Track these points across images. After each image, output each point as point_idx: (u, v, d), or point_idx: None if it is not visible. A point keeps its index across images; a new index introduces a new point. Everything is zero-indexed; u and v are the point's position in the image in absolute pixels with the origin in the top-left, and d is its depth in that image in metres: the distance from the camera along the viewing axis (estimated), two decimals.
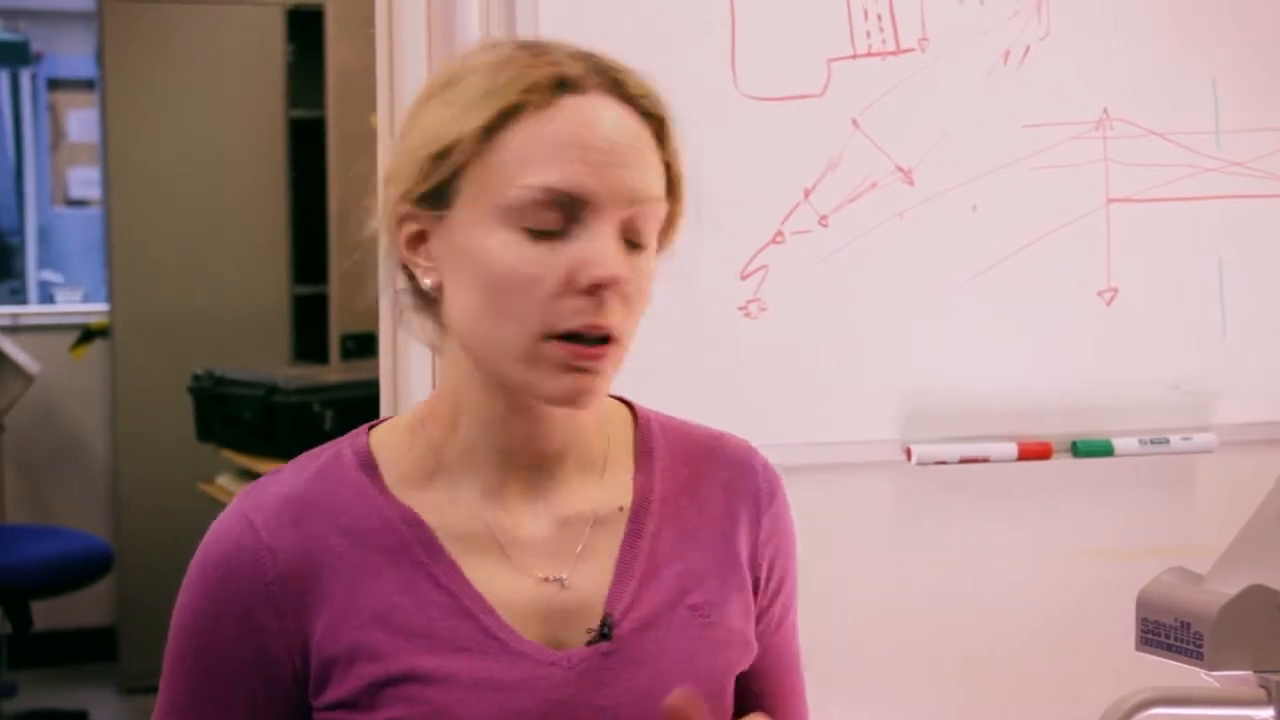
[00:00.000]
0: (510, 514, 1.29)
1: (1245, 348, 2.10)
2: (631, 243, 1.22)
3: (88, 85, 6.28)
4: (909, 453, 1.98)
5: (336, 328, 5.00)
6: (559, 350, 1.20)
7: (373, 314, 1.89)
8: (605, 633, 1.27)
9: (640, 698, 1.26)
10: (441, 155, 1.21)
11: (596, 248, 1.19)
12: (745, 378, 1.92)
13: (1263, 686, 1.37)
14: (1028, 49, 2.00)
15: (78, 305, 5.90)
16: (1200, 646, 1.38)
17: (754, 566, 1.36)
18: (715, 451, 1.39)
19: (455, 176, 1.22)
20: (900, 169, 1.96)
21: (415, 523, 1.27)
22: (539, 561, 1.28)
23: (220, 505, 4.04)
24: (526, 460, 1.29)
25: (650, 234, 1.24)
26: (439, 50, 1.84)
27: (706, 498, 1.35)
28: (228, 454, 4.16)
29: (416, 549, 1.26)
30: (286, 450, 3.92)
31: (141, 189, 4.96)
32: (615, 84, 1.23)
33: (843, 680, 1.98)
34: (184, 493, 4.51)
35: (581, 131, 1.20)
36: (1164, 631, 1.42)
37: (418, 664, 1.23)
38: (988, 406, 2.01)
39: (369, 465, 1.29)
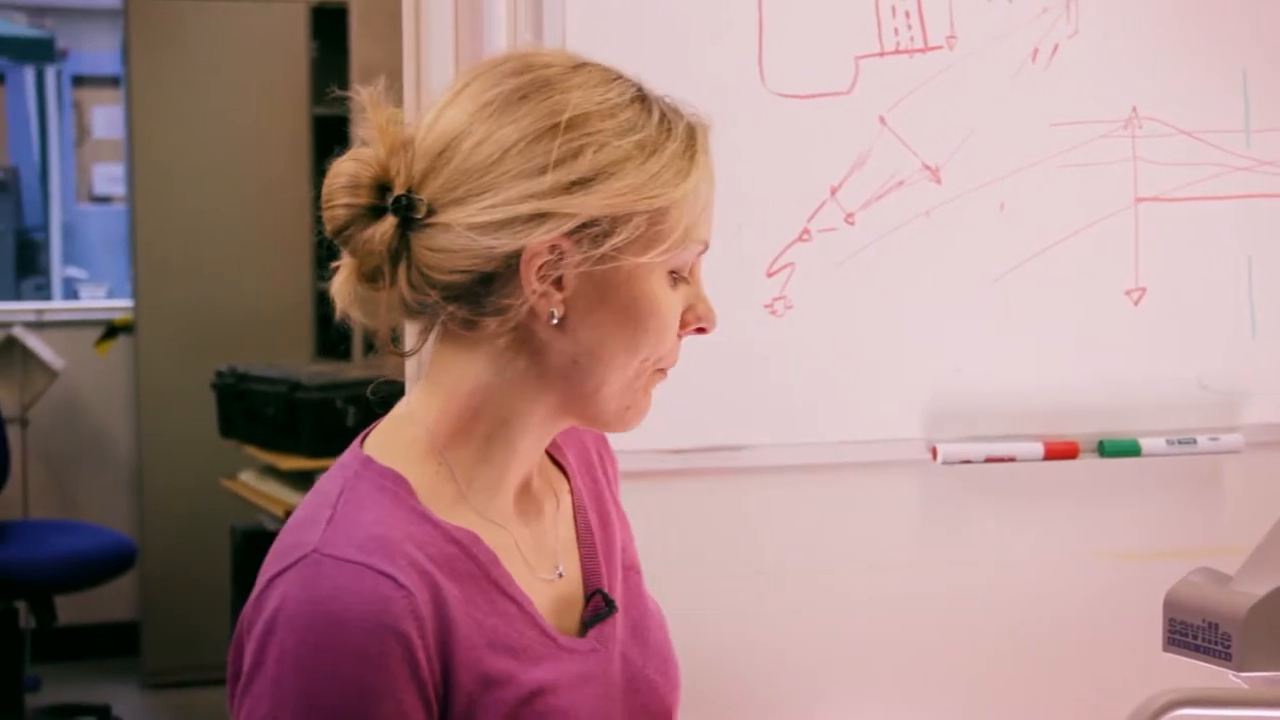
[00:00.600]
0: (519, 522, 1.32)
1: (1273, 348, 2.09)
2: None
3: (113, 82, 6.30)
4: (934, 452, 1.97)
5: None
6: (657, 379, 1.30)
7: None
8: (611, 607, 1.35)
9: (646, 658, 1.37)
10: (656, 214, 1.22)
11: (704, 295, 1.30)
12: (770, 375, 1.91)
13: None
14: (1056, 47, 1.99)
15: (102, 301, 5.91)
16: (1228, 647, 1.37)
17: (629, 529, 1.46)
18: (578, 432, 1.44)
19: (641, 224, 1.22)
20: (928, 167, 1.95)
21: (478, 543, 1.26)
22: (541, 561, 1.33)
23: (243, 501, 4.00)
24: (516, 480, 1.32)
25: None
26: (466, 49, 1.84)
27: (595, 470, 1.44)
28: (251, 450, 4.16)
29: (489, 568, 1.26)
30: (309, 447, 3.93)
31: (166, 185, 4.98)
32: (707, 127, 1.29)
33: (864, 676, 1.97)
34: (207, 489, 4.52)
35: (713, 183, 1.28)
36: (1192, 632, 1.42)
37: (532, 678, 1.25)
38: (1014, 406, 2.00)
39: (411, 491, 1.25)
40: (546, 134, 1.21)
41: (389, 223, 1.22)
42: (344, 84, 5.28)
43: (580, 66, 1.26)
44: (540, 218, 1.20)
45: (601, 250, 1.21)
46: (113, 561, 4.35)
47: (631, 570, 1.42)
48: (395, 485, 1.24)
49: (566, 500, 1.39)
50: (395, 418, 1.31)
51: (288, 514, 3.92)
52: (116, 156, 6.26)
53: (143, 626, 5.01)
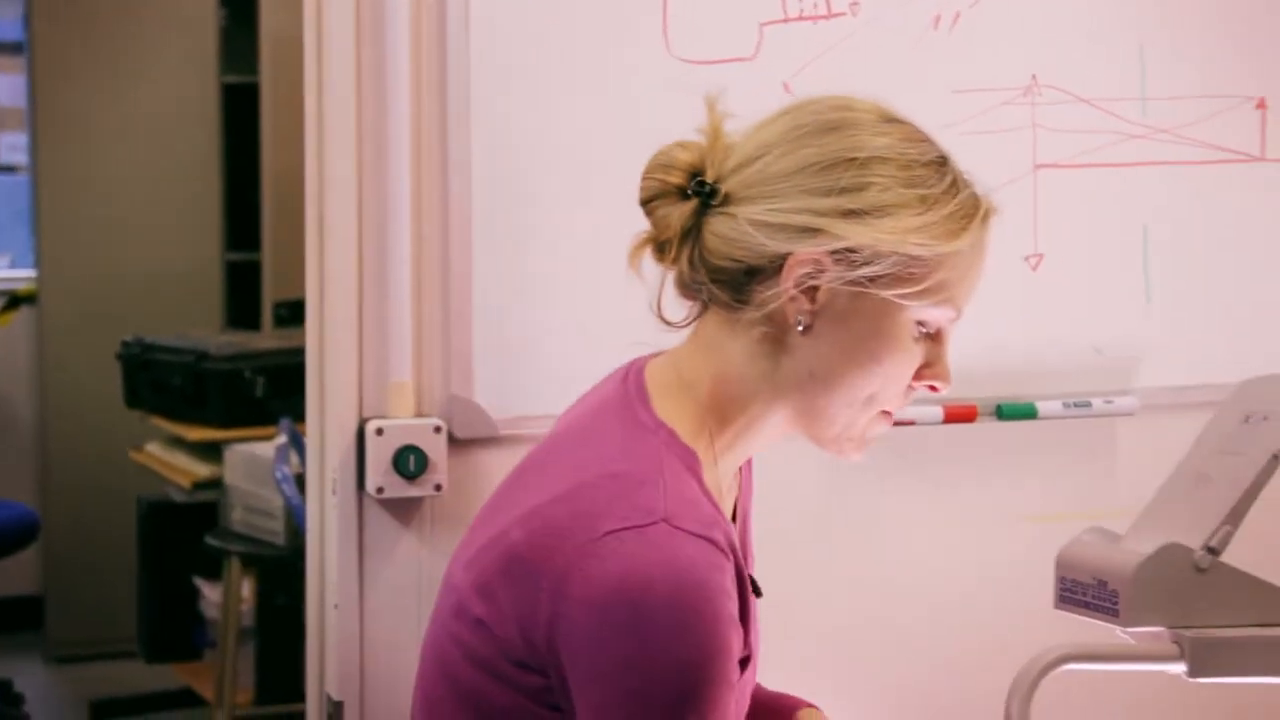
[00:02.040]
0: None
1: (1167, 313, 2.12)
2: None
3: (15, 49, 6.18)
4: None
5: (269, 295, 4.97)
6: (881, 420, 1.40)
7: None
8: (757, 593, 1.47)
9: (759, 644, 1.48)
10: (915, 260, 1.33)
11: (946, 359, 1.41)
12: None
13: (1175, 642, 1.39)
14: (958, 15, 2.01)
15: (4, 272, 5.81)
16: (1116, 604, 1.40)
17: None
18: None
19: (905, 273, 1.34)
20: None
21: (730, 532, 1.35)
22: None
23: (149, 473, 3.98)
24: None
25: None
26: (367, 20, 1.82)
27: (748, 464, 1.56)
28: (157, 421, 4.12)
29: (736, 554, 1.35)
30: (217, 417, 3.90)
31: (69, 155, 4.91)
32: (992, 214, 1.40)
33: (773, 646, 1.99)
34: (112, 460, 4.48)
35: (982, 264, 1.40)
36: (1081, 590, 1.45)
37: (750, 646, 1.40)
38: None
39: (701, 473, 1.36)
40: (842, 164, 1.34)
41: (690, 204, 1.37)
42: (253, 52, 5.25)
43: (893, 120, 1.40)
44: (812, 231, 1.32)
45: (855, 274, 1.33)
46: (15, 534, 4.30)
47: (749, 556, 1.55)
48: (695, 466, 1.35)
49: (735, 490, 1.50)
50: (675, 380, 1.40)
51: (195, 485, 3.90)
52: (19, 125, 6.15)
53: (46, 600, 4.95)
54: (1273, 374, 1.51)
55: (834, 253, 1.33)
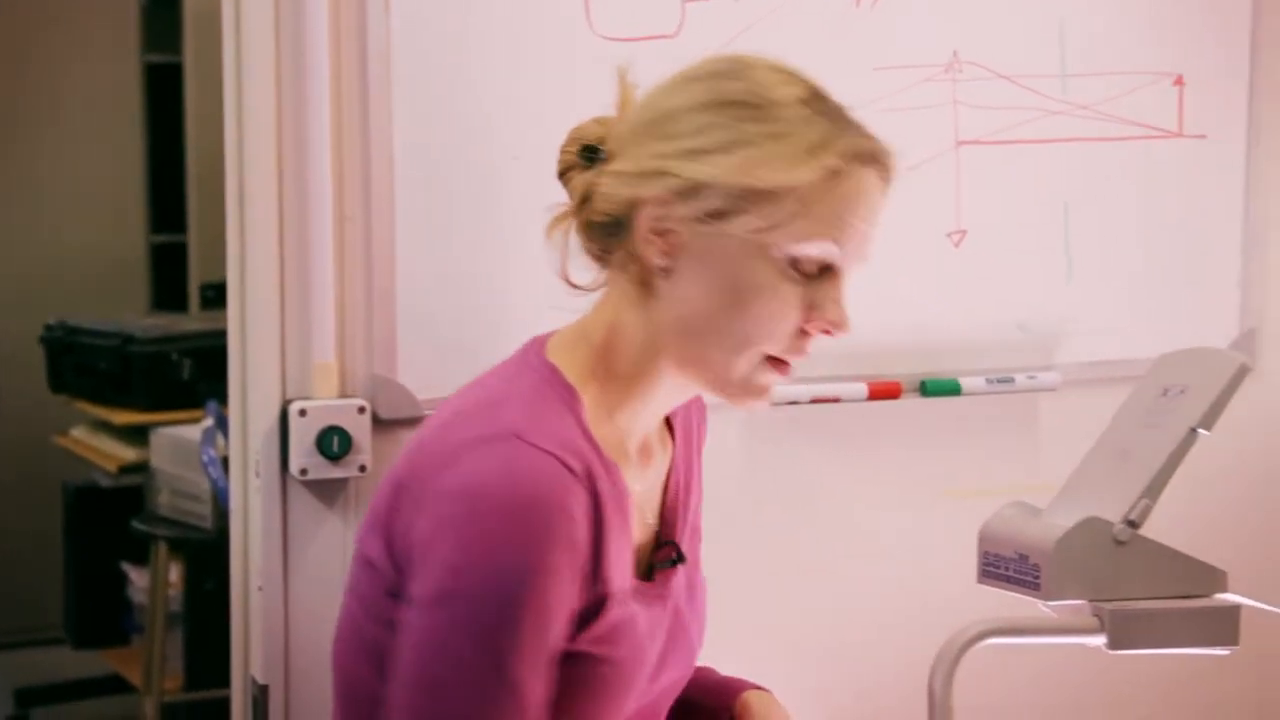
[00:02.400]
0: (638, 467, 1.46)
1: (1088, 289, 2.14)
2: None
3: None
4: None
5: (196, 277, 4.93)
6: (763, 362, 1.38)
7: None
8: (679, 558, 1.49)
9: (693, 614, 1.51)
10: (755, 193, 1.33)
11: (837, 298, 1.38)
12: None
13: (1096, 615, 1.40)
14: None
15: None
16: (1037, 578, 1.41)
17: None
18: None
19: (752, 204, 1.34)
20: None
21: (618, 475, 1.38)
22: (644, 507, 1.47)
23: (76, 457, 3.93)
24: (651, 426, 1.47)
25: None
26: None
27: (690, 436, 1.57)
28: (82, 405, 4.08)
29: (621, 496, 1.38)
30: (144, 400, 3.86)
31: None
32: (886, 165, 1.40)
33: None
34: (37, 445, 4.42)
35: (864, 205, 1.37)
36: (1003, 564, 1.45)
37: (629, 606, 1.37)
38: (838, 347, 2.00)
39: (582, 411, 1.38)
40: (694, 110, 1.36)
41: (588, 172, 1.41)
42: (176, 31, 5.17)
43: (773, 68, 1.40)
44: (659, 175, 1.35)
45: (700, 212, 1.34)
46: None
47: (696, 535, 1.56)
48: (574, 402, 1.38)
49: (667, 457, 1.52)
50: (576, 333, 1.44)
51: (121, 469, 3.86)
52: None
53: None
54: (1190, 348, 1.53)
55: (680, 193, 1.34)
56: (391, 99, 1.82)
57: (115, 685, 4.07)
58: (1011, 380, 2.08)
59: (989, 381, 2.07)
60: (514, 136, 1.86)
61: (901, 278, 2.05)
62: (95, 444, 4.03)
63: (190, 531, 3.57)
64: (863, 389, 2.02)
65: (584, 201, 1.41)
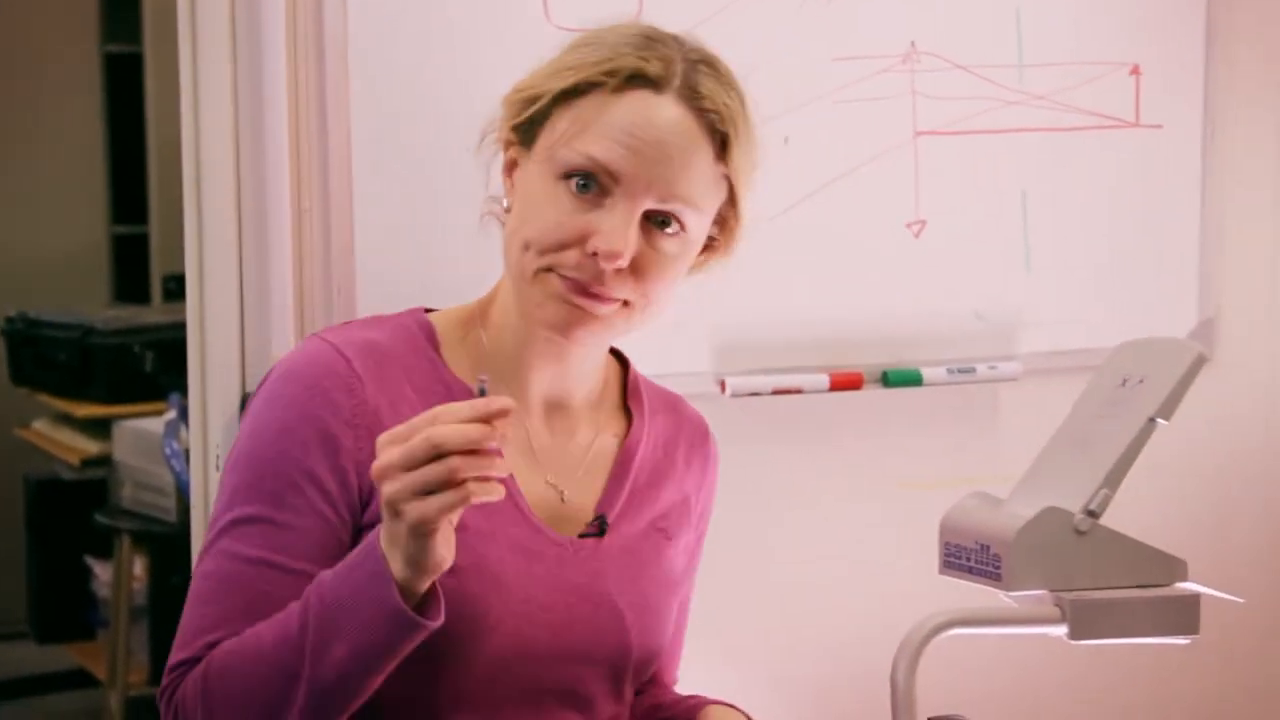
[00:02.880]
0: (532, 420, 1.51)
1: (1047, 279, 2.15)
2: (662, 224, 1.42)
3: None
4: (723, 385, 1.99)
5: (158, 268, 4.91)
6: (558, 281, 1.41)
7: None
8: (601, 529, 1.50)
9: (622, 590, 1.50)
10: (528, 101, 1.44)
11: (610, 224, 1.39)
12: None
13: (1057, 605, 1.40)
14: None
15: None
16: (999, 568, 1.41)
17: (693, 518, 1.63)
18: (679, 411, 1.65)
19: (538, 123, 1.44)
20: None
21: (465, 394, 1.44)
22: (550, 466, 1.51)
23: (38, 450, 3.92)
24: (548, 377, 1.51)
25: (689, 224, 1.43)
26: None
27: (674, 449, 1.61)
28: (44, 398, 4.06)
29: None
30: (105, 393, 3.85)
31: None
32: (693, 93, 1.41)
33: None
34: None
35: (637, 122, 1.39)
36: (965, 554, 1.46)
37: (465, 518, 1.34)
38: (800, 338, 2.03)
39: (433, 339, 1.49)
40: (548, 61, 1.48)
41: None
42: (136, 20, 5.14)
43: (630, 26, 1.49)
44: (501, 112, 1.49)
45: (525, 148, 1.45)
46: None
47: (660, 532, 1.57)
48: (420, 329, 1.49)
49: (611, 439, 1.56)
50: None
51: (84, 462, 3.84)
52: None
53: None
54: (1148, 338, 1.53)
55: (509, 125, 1.47)
56: (349, 89, 1.81)
57: (80, 679, 4.06)
58: (973, 370, 2.09)
59: (950, 372, 2.07)
60: (471, 127, 1.85)
61: (862, 268, 2.06)
62: (57, 437, 4.02)
63: (154, 524, 3.55)
64: (824, 380, 2.03)
65: None
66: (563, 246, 1.40)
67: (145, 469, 3.59)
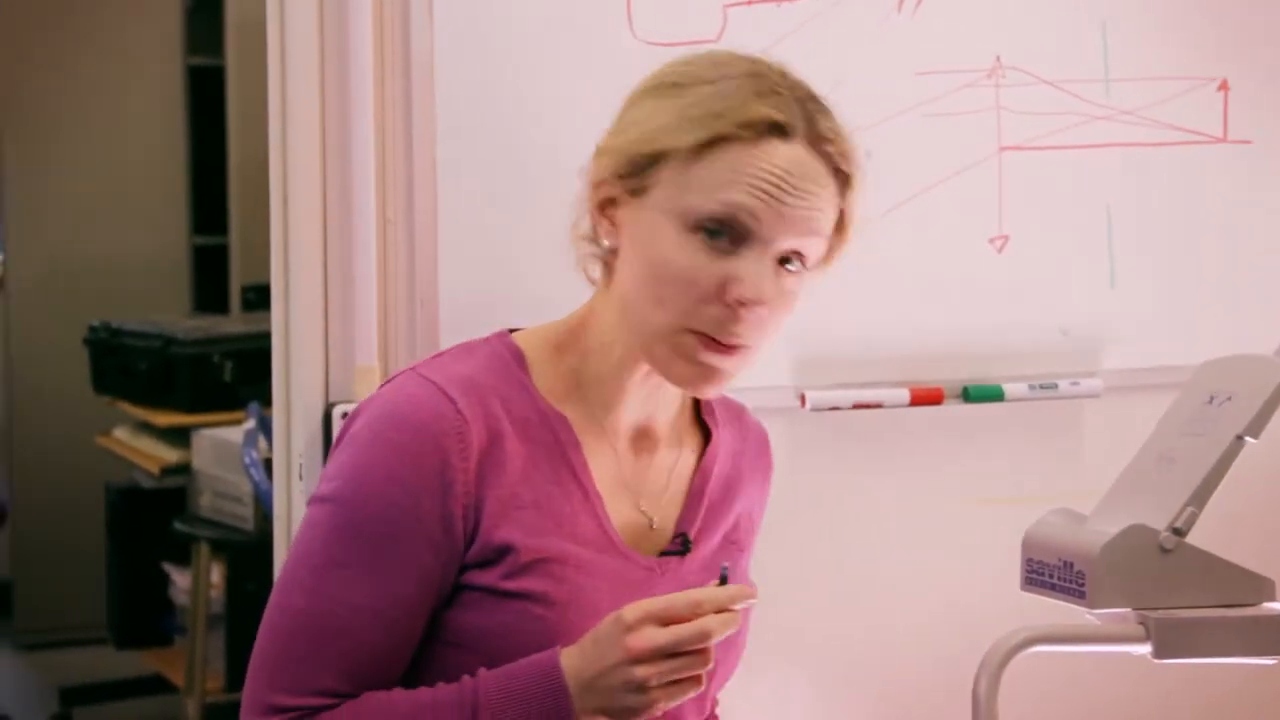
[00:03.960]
0: (621, 445, 1.50)
1: (1131, 295, 2.13)
2: (786, 264, 1.42)
3: None
4: (803, 399, 1.99)
5: (238, 279, 4.96)
6: (693, 340, 1.40)
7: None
8: (685, 547, 1.51)
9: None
10: (652, 157, 1.41)
11: (753, 271, 1.39)
12: None
13: (1141, 623, 1.39)
14: None
15: None
16: (1082, 585, 1.40)
17: (754, 527, 1.64)
18: (743, 422, 1.64)
19: (657, 171, 1.40)
20: None
21: (565, 425, 1.46)
22: (639, 490, 1.51)
23: (118, 458, 3.96)
24: (639, 406, 1.50)
25: (810, 261, 1.44)
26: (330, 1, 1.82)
27: (740, 460, 1.61)
28: (124, 406, 4.11)
29: (567, 449, 1.46)
30: (185, 402, 3.89)
31: (35, 139, 4.88)
32: (819, 139, 1.42)
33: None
34: (80, 445, 4.46)
35: (776, 174, 1.39)
36: (1048, 571, 1.45)
37: (565, 549, 1.41)
38: (880, 352, 2.02)
39: (524, 365, 1.47)
40: (636, 97, 1.46)
41: None
42: (219, 34, 5.20)
43: (729, 58, 1.46)
44: (595, 153, 1.46)
45: (621, 183, 1.42)
46: None
47: (734, 545, 1.58)
48: (511, 356, 1.47)
49: (690, 457, 1.56)
50: (559, 319, 1.53)
51: (163, 471, 3.89)
52: None
53: (15, 587, 4.93)
54: (1235, 355, 1.52)
55: (605, 168, 1.43)
56: (434, 102, 1.83)
57: (157, 685, 4.10)
58: (1055, 386, 2.07)
59: (1032, 388, 2.06)
60: (555, 140, 1.86)
61: (944, 283, 2.05)
62: (137, 445, 4.06)
63: (232, 533, 3.59)
64: (905, 394, 2.02)
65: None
66: (702, 299, 1.39)
67: (224, 478, 3.63)
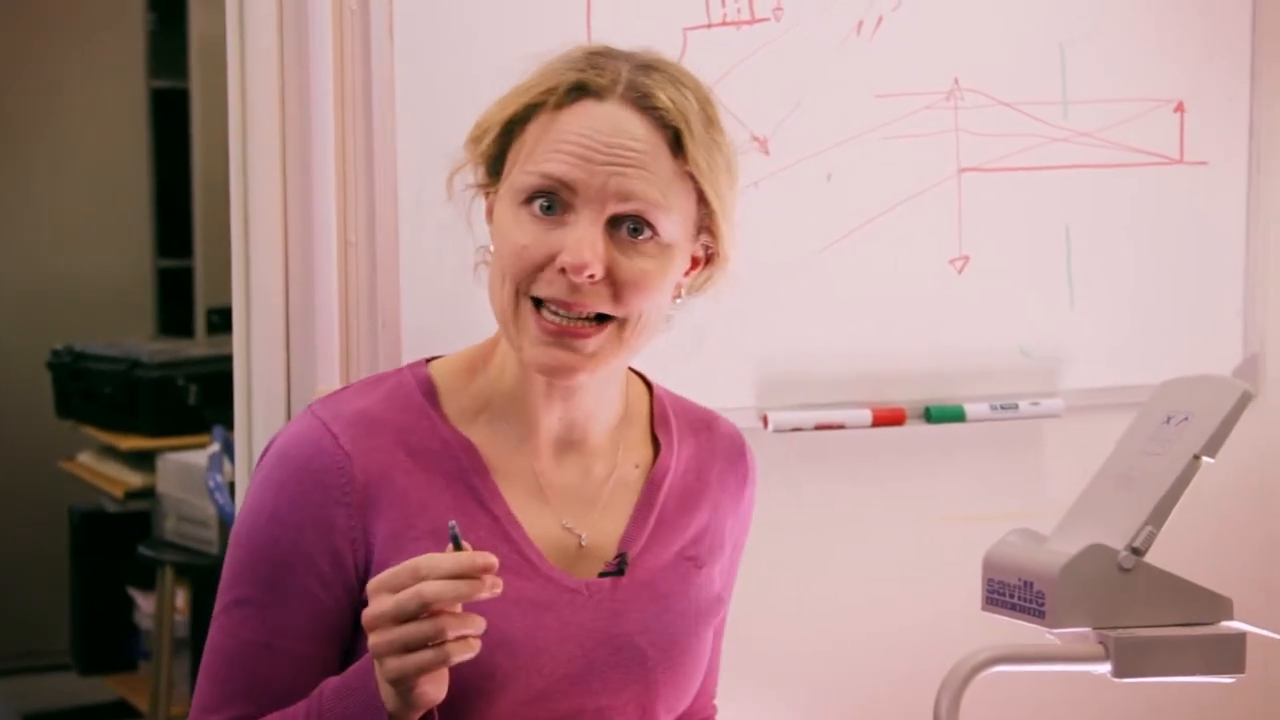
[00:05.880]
0: (543, 460, 1.48)
1: (1091, 315, 2.14)
2: (634, 231, 1.39)
3: None
4: (765, 420, 2.00)
5: (202, 301, 4.94)
6: (535, 317, 1.39)
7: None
8: (620, 568, 1.47)
9: (645, 629, 1.47)
10: (479, 137, 1.45)
11: (574, 236, 1.38)
12: None
13: (1101, 643, 1.40)
14: (880, 19, 2.02)
15: None
16: (1042, 605, 1.41)
17: (728, 536, 1.59)
18: (714, 430, 1.62)
19: (499, 159, 1.44)
20: (755, 138, 1.97)
21: (470, 451, 1.45)
22: (566, 506, 1.48)
23: (82, 483, 3.93)
24: (556, 416, 1.47)
25: (660, 228, 1.40)
26: (290, 19, 1.81)
27: (706, 470, 1.57)
28: (89, 430, 4.09)
29: (470, 475, 1.44)
30: (150, 426, 3.87)
31: None
32: (638, 95, 1.40)
33: None
34: (43, 470, 4.44)
35: (584, 132, 1.38)
36: (1008, 591, 1.46)
37: (508, 576, 1.35)
38: (843, 373, 2.03)
39: (430, 393, 1.47)
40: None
41: None
42: (183, 57, 5.18)
43: (572, 48, 1.46)
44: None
45: (492, 186, 1.45)
46: None
47: (690, 561, 1.53)
48: (417, 385, 1.47)
49: (634, 470, 1.53)
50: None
51: (127, 495, 3.87)
52: None
53: None
54: (1193, 375, 1.53)
55: (480, 173, 1.47)
56: (395, 123, 1.83)
57: (122, 711, 4.08)
58: (1015, 406, 2.08)
59: (993, 408, 2.07)
60: None
61: (905, 304, 2.06)
62: (102, 469, 4.04)
63: (197, 557, 3.57)
64: (867, 415, 2.02)
65: None
66: (535, 269, 1.39)
67: (189, 501, 3.61)
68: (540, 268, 1.39)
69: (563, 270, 1.38)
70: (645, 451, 1.55)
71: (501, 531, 1.44)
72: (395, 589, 1.27)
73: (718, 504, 1.58)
